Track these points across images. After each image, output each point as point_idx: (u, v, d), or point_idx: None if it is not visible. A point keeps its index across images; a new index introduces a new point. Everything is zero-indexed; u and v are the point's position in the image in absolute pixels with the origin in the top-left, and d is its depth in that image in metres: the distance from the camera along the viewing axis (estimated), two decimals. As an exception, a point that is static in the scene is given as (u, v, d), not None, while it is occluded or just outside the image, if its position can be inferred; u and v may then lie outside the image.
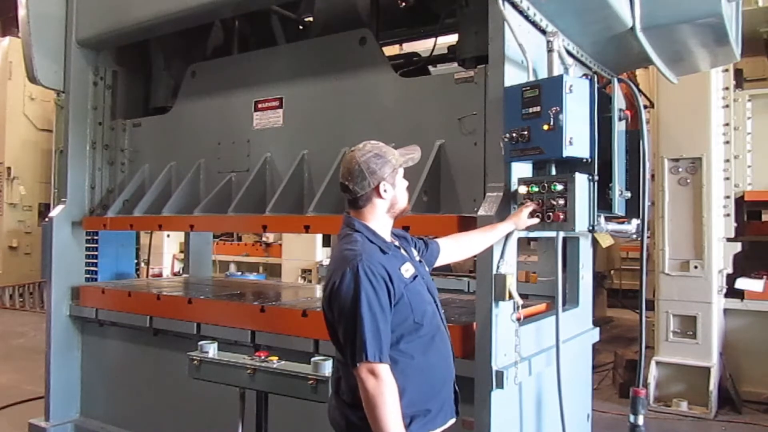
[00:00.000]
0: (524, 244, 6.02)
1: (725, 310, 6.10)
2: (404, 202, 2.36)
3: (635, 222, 3.26)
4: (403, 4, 4.29)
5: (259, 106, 4.15)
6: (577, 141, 2.71)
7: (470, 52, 3.43)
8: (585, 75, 3.22)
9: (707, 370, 5.77)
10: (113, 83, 5.03)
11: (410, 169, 3.38)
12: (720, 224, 6.00)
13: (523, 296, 3.03)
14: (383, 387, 2.03)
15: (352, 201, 2.29)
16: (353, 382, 2.13)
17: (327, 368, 2.70)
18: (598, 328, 4.02)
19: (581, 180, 2.74)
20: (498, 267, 2.86)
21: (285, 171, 3.94)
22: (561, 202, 2.71)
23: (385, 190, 2.26)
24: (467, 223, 3.03)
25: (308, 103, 3.94)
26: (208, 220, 4.13)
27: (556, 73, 2.96)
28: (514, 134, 2.78)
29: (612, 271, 10.54)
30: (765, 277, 6.10)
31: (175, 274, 10.24)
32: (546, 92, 2.70)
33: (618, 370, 6.55)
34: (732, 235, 6.12)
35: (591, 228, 2.88)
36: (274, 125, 4.08)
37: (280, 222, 3.81)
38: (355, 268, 2.08)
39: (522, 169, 3.00)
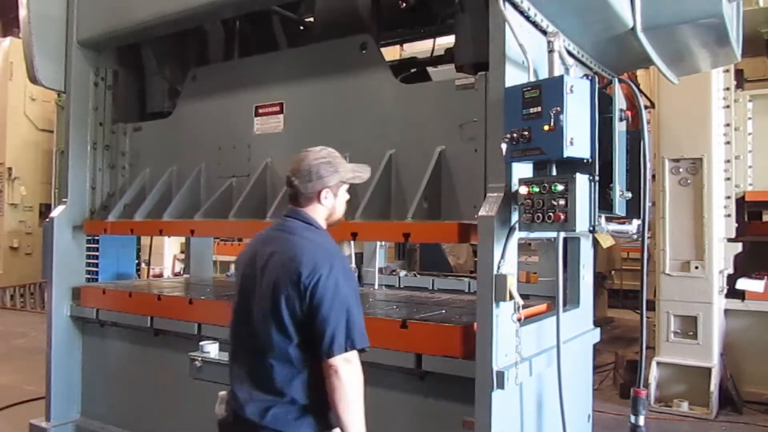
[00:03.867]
0: (525, 244, 6.02)
1: (726, 311, 6.10)
2: (341, 213, 2.48)
3: (636, 222, 3.25)
4: (404, 4, 4.29)
5: (260, 111, 4.15)
6: (578, 141, 2.71)
7: (468, 59, 3.42)
8: (586, 75, 3.22)
9: (708, 370, 5.77)
10: (114, 84, 5.04)
11: (411, 176, 3.44)
12: (721, 224, 6.00)
13: (523, 296, 3.03)
14: (358, 373, 2.15)
15: (293, 196, 2.39)
16: (313, 381, 2.16)
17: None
18: (598, 329, 4.02)
19: (582, 180, 2.74)
20: (498, 267, 2.86)
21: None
22: (561, 202, 2.71)
23: (326, 197, 2.37)
24: (468, 230, 3.04)
25: (309, 109, 3.94)
26: (209, 225, 4.13)
27: (556, 73, 2.96)
28: (514, 135, 2.78)
29: (613, 272, 10.54)
30: (766, 277, 6.10)
31: (175, 275, 10.25)
32: (547, 93, 2.70)
33: (619, 371, 6.55)
34: (733, 235, 6.12)
35: (592, 228, 2.87)
36: (275, 130, 4.08)
37: None
38: (341, 261, 2.22)
39: (522, 170, 3.00)
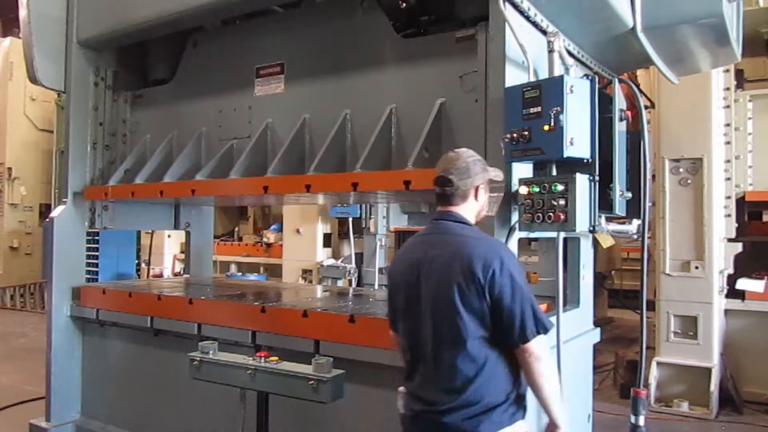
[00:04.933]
0: (525, 244, 6.02)
1: (726, 311, 6.10)
2: (486, 210, 2.57)
3: (636, 222, 3.26)
4: (404, 4, 4.27)
5: (261, 72, 4.19)
6: (578, 141, 2.71)
7: (469, 12, 3.35)
8: (586, 75, 3.23)
9: (708, 370, 5.76)
10: (114, 83, 5.03)
11: (412, 128, 3.46)
12: (721, 224, 6.00)
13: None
14: (550, 356, 2.29)
15: (446, 196, 2.38)
16: (491, 375, 2.20)
17: (327, 369, 2.70)
18: (598, 329, 4.02)
19: (582, 180, 2.74)
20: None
21: (286, 136, 3.96)
22: (562, 202, 2.71)
23: (481, 193, 2.43)
24: None
25: (309, 68, 3.97)
26: (210, 185, 4.12)
27: (556, 73, 2.96)
28: (514, 135, 2.78)
29: (613, 272, 10.53)
30: (766, 277, 6.09)
31: (175, 275, 10.25)
32: (547, 93, 2.70)
33: (619, 371, 6.55)
34: (733, 235, 6.12)
35: (592, 228, 2.88)
36: (276, 91, 4.11)
37: (281, 182, 3.78)
38: (507, 251, 2.33)
39: (522, 170, 3.00)
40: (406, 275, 2.38)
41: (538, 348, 2.19)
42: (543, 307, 3.52)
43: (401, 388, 2.43)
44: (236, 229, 12.22)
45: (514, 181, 2.93)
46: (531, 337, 2.17)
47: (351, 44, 3.82)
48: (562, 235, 3.21)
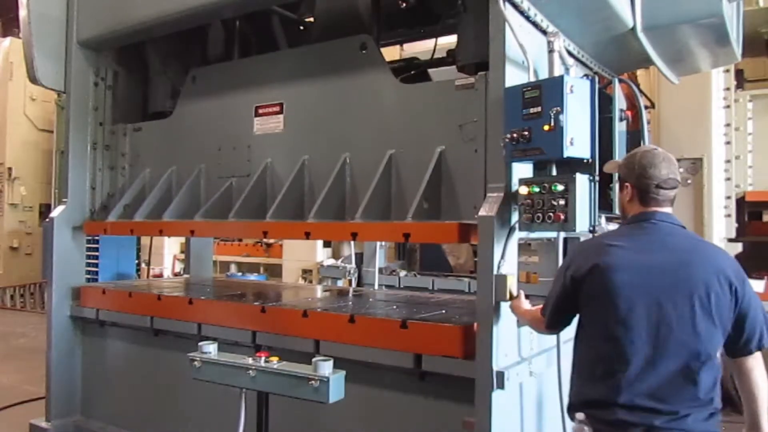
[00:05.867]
0: (525, 244, 6.01)
1: (726, 311, 6.08)
2: None
3: (636, 222, 3.24)
4: (404, 4, 4.29)
5: (260, 111, 4.15)
6: (578, 141, 2.71)
7: (469, 59, 3.42)
8: (586, 75, 3.23)
9: (708, 370, 5.75)
10: (114, 84, 5.04)
11: (411, 176, 3.46)
12: (721, 225, 6.00)
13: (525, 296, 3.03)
14: None
15: (668, 198, 2.35)
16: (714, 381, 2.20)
17: (327, 369, 2.69)
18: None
19: (582, 180, 2.74)
20: (498, 267, 2.86)
21: (286, 176, 3.94)
22: (562, 202, 2.71)
23: None
24: (467, 230, 3.04)
25: (309, 109, 3.94)
26: (209, 226, 4.13)
27: (556, 73, 2.96)
28: (514, 135, 2.78)
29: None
30: (766, 277, 6.09)
31: (175, 275, 10.24)
32: (547, 93, 2.70)
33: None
34: (733, 235, 6.12)
35: (592, 228, 2.87)
36: (275, 130, 4.08)
37: (280, 228, 3.80)
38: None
39: (522, 170, 3.00)
40: (634, 275, 2.21)
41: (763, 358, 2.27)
42: (539, 307, 3.55)
43: (581, 416, 2.26)
44: (236, 229, 12.20)
45: (514, 181, 2.93)
46: (766, 344, 2.25)
47: (351, 87, 3.77)
48: (562, 235, 3.21)
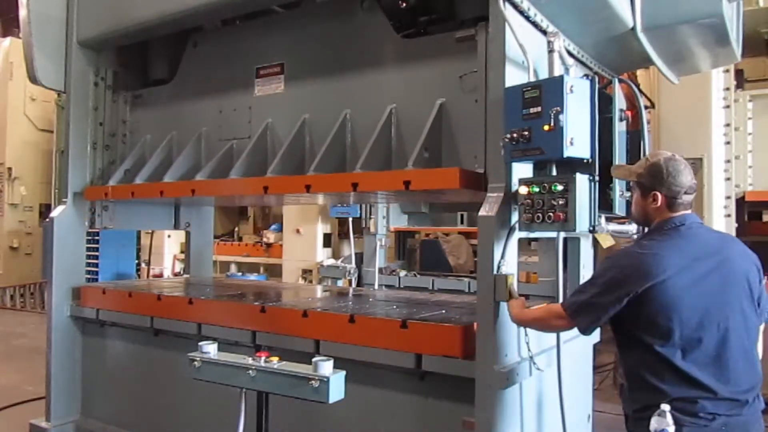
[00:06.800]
0: (525, 244, 6.01)
1: (726, 311, 6.09)
2: None
3: (636, 222, 3.25)
4: (404, 4, 4.27)
5: (261, 72, 4.20)
6: (578, 141, 2.71)
7: (469, 13, 3.34)
8: (586, 75, 3.22)
9: (708, 370, 5.75)
10: (114, 82, 5.03)
11: (412, 129, 3.47)
12: (721, 224, 6.00)
13: (523, 296, 3.03)
14: None
15: (688, 202, 2.47)
16: None
17: (327, 369, 2.69)
18: (599, 329, 4.02)
19: (582, 180, 2.74)
20: (499, 267, 2.86)
21: (286, 136, 3.97)
22: (561, 202, 2.71)
23: None
24: (468, 177, 3.05)
25: (309, 68, 3.98)
26: (210, 185, 4.12)
27: (556, 73, 2.96)
28: (514, 135, 2.78)
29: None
30: (766, 277, 6.09)
31: (175, 275, 10.24)
32: (547, 93, 2.70)
33: (619, 371, 6.55)
34: (733, 235, 6.12)
35: (592, 228, 2.87)
36: (276, 91, 4.13)
37: (281, 182, 3.77)
38: None
39: (522, 170, 3.00)
40: (703, 288, 2.31)
41: None
42: (541, 306, 3.56)
43: (666, 406, 2.25)
44: (236, 229, 12.21)
45: (514, 181, 2.93)
46: None
47: (351, 44, 3.82)
48: (562, 235, 3.21)
